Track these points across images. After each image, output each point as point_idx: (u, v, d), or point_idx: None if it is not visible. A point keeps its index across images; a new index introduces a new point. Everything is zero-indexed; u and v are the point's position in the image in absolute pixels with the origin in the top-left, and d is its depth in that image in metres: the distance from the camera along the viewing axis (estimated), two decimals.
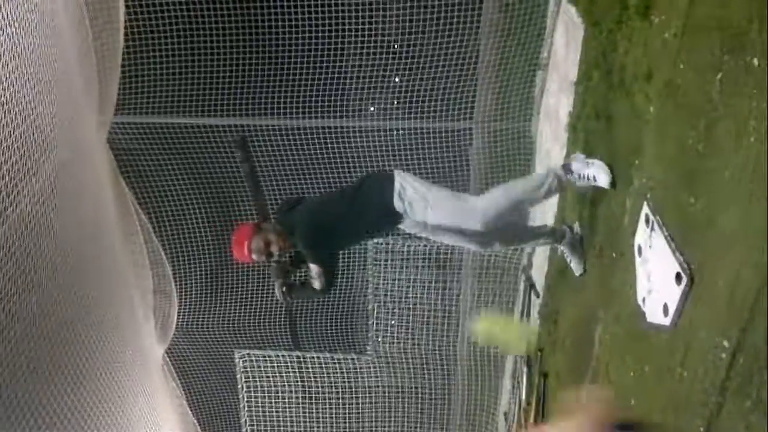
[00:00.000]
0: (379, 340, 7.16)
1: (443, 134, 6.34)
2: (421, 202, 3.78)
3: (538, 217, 5.71)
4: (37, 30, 3.23)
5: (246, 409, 7.55)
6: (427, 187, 3.84)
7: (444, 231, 3.95)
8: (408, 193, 3.79)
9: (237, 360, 7.29)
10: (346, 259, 7.08)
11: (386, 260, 6.86)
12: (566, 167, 3.79)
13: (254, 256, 3.80)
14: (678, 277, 2.58)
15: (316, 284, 3.87)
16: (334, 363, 7.41)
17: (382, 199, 3.80)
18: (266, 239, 3.78)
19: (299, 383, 7.49)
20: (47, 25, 3.39)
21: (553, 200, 5.03)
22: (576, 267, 4.17)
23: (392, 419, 7.66)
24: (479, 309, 6.91)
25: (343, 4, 5.90)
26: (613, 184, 3.58)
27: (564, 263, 4.40)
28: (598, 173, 3.64)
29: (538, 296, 5.36)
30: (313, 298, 3.97)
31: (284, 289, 3.99)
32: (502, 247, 4.29)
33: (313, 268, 3.85)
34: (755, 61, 2.15)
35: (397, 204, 3.79)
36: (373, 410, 7.58)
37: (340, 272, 4.13)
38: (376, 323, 7.05)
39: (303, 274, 4.09)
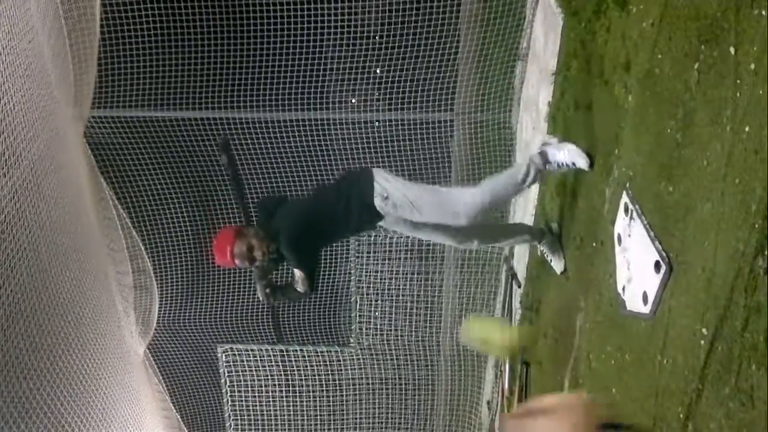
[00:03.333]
0: (362, 332, 7.16)
1: (424, 125, 6.34)
2: (407, 205, 3.77)
3: (519, 211, 5.73)
4: (9, 21, 3.17)
5: (230, 403, 7.52)
6: (408, 187, 3.82)
7: (424, 227, 3.97)
8: (392, 195, 3.76)
9: (220, 354, 7.26)
10: (327, 254, 7.06)
11: (369, 252, 6.85)
12: (543, 156, 3.76)
13: (237, 261, 3.78)
14: (657, 265, 2.60)
15: (300, 288, 3.89)
16: (318, 356, 7.41)
17: (363, 200, 3.78)
18: (249, 244, 3.76)
19: (283, 376, 7.48)
20: (20, 18, 3.33)
21: (533, 192, 5.05)
22: (556, 266, 4.18)
23: (376, 410, 7.67)
24: (462, 300, 6.93)
25: None
26: (591, 164, 3.59)
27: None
28: (575, 158, 3.65)
29: (519, 286, 5.38)
30: (296, 300, 3.96)
31: (268, 291, 3.98)
32: (479, 245, 4.33)
33: (297, 273, 3.86)
34: (731, 50, 2.17)
35: (380, 205, 3.77)
36: (357, 402, 7.59)
37: (321, 273, 4.14)
38: (359, 315, 7.04)
39: (287, 275, 4.10)
